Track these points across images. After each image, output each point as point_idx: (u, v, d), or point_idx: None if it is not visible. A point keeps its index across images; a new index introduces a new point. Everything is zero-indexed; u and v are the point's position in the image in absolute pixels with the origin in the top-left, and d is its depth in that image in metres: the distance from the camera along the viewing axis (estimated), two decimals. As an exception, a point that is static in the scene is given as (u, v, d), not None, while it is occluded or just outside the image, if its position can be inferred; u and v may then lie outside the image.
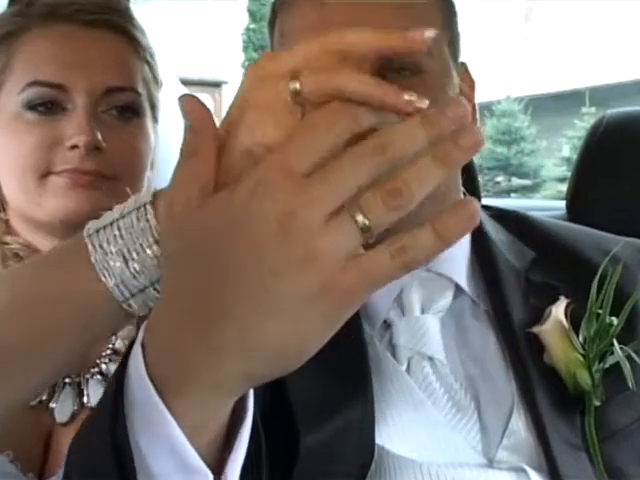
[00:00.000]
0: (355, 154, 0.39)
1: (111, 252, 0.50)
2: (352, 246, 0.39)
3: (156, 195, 0.50)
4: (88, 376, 0.82)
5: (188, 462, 0.43)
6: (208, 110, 0.47)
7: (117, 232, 0.50)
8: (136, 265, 0.50)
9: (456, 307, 0.76)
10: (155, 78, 0.89)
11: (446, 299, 0.76)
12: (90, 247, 0.50)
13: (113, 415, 0.44)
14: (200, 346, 0.40)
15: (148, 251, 0.50)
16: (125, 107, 0.84)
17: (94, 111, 0.81)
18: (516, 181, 11.87)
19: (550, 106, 11.98)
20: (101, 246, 0.50)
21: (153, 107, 0.89)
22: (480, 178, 1.21)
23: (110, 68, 0.83)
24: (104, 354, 0.83)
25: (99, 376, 0.82)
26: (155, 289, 0.50)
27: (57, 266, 0.54)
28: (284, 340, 0.39)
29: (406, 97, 0.42)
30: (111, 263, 0.50)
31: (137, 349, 0.43)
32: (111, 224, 0.50)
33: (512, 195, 11.52)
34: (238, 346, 0.40)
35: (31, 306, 0.53)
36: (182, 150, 0.47)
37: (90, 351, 0.57)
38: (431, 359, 0.73)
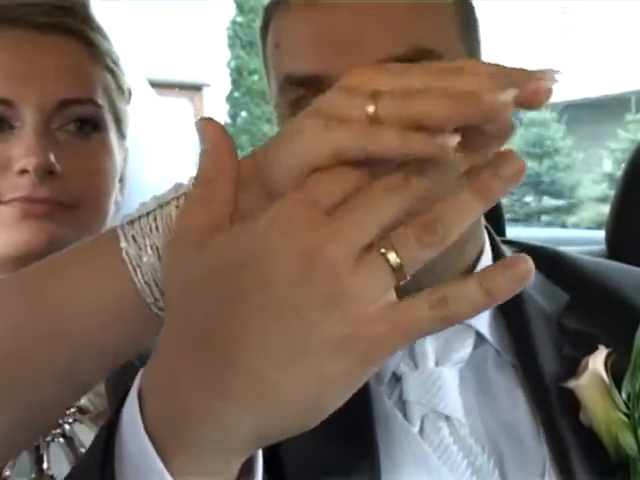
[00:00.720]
0: (383, 186, 0.41)
1: (145, 246, 0.51)
2: (383, 287, 0.40)
3: None
4: (49, 439, 0.81)
5: None
6: (228, 135, 0.49)
7: (153, 224, 0.51)
8: None
9: (477, 358, 0.77)
10: (120, 88, 0.90)
11: (465, 349, 0.76)
12: (123, 240, 0.51)
13: (101, 472, 0.44)
14: (206, 397, 0.41)
15: None
16: (83, 121, 0.84)
17: (46, 129, 0.81)
18: (548, 201, 11.89)
19: (589, 113, 12.04)
20: (135, 239, 0.51)
21: (118, 121, 0.89)
22: (505, 197, 1.21)
23: (64, 78, 0.83)
24: (68, 412, 0.83)
25: (61, 439, 0.82)
26: None
27: (71, 260, 0.54)
28: (302, 392, 0.40)
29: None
30: (144, 259, 0.51)
31: (133, 396, 0.44)
32: (147, 214, 0.51)
33: (543, 218, 11.54)
34: (248, 398, 0.41)
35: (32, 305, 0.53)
36: (196, 176, 0.49)
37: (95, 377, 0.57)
38: (448, 418, 0.73)
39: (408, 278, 0.40)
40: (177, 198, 0.51)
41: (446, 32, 0.75)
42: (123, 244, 0.51)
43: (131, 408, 0.44)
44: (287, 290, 0.39)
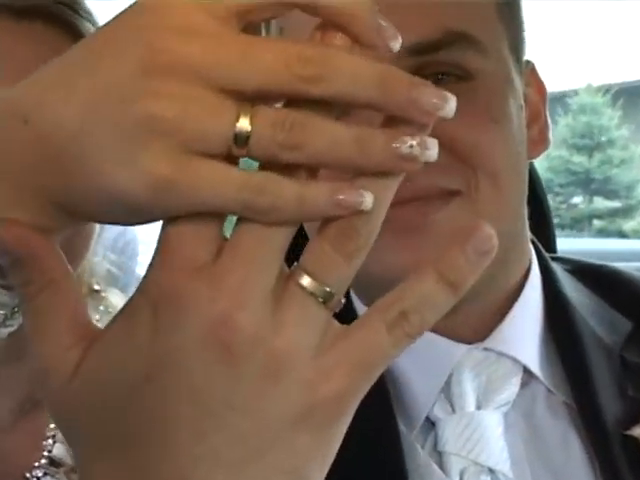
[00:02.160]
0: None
1: None
2: (318, 327, 0.38)
3: None
4: None
5: None
6: (29, 230, 0.40)
7: None
8: None
9: (525, 398, 0.77)
10: None
11: (511, 388, 0.76)
12: None
13: None
14: None
15: None
16: None
17: None
18: (601, 203, 11.81)
19: (647, 97, 12.03)
20: None
21: None
22: (550, 199, 1.21)
23: None
24: (37, 464, 0.82)
25: None
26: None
27: None
28: None
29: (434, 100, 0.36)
30: None
31: None
32: None
33: (595, 223, 11.49)
34: None
35: None
36: (22, 297, 0.41)
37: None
38: (492, 471, 0.73)
39: (343, 303, 0.38)
40: None
41: (484, 12, 0.76)
42: None
43: None
44: (212, 390, 0.37)
